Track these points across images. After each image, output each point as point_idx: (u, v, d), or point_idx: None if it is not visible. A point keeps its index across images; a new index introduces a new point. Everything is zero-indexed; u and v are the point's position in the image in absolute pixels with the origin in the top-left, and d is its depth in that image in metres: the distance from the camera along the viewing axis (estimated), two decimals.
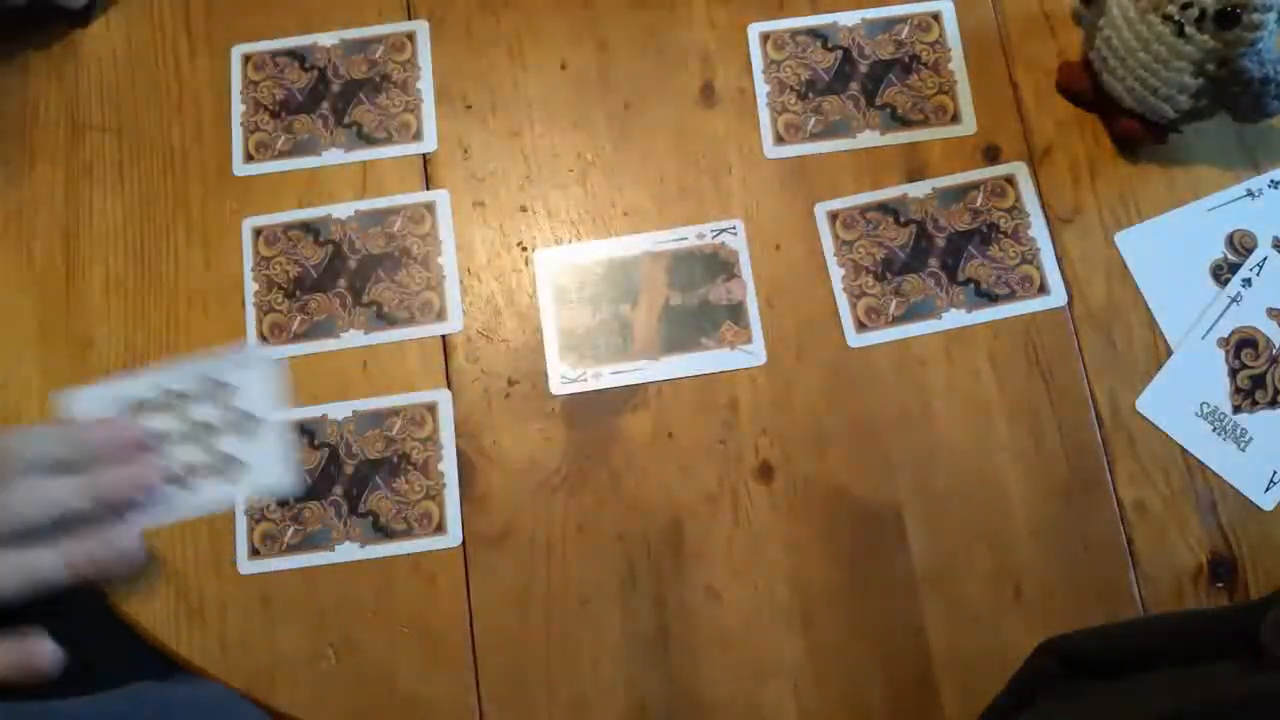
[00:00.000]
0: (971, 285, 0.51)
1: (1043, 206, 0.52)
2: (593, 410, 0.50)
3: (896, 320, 0.50)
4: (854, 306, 0.50)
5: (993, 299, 0.51)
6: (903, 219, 0.52)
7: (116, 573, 0.46)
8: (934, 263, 0.51)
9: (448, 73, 0.54)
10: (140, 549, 0.46)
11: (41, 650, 0.43)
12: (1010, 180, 0.52)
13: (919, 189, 0.52)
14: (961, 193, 0.52)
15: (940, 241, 0.51)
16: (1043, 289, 0.51)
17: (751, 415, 0.49)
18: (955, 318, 0.50)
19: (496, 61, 0.54)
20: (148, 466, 0.48)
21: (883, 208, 0.52)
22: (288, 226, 0.52)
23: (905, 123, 0.53)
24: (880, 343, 0.50)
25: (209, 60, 0.54)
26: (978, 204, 0.52)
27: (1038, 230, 0.51)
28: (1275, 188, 0.52)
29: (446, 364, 0.50)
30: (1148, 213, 0.52)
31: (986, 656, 0.46)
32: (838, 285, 0.51)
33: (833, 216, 0.51)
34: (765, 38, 0.54)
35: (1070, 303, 0.50)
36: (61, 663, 0.43)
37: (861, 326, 0.50)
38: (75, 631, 0.66)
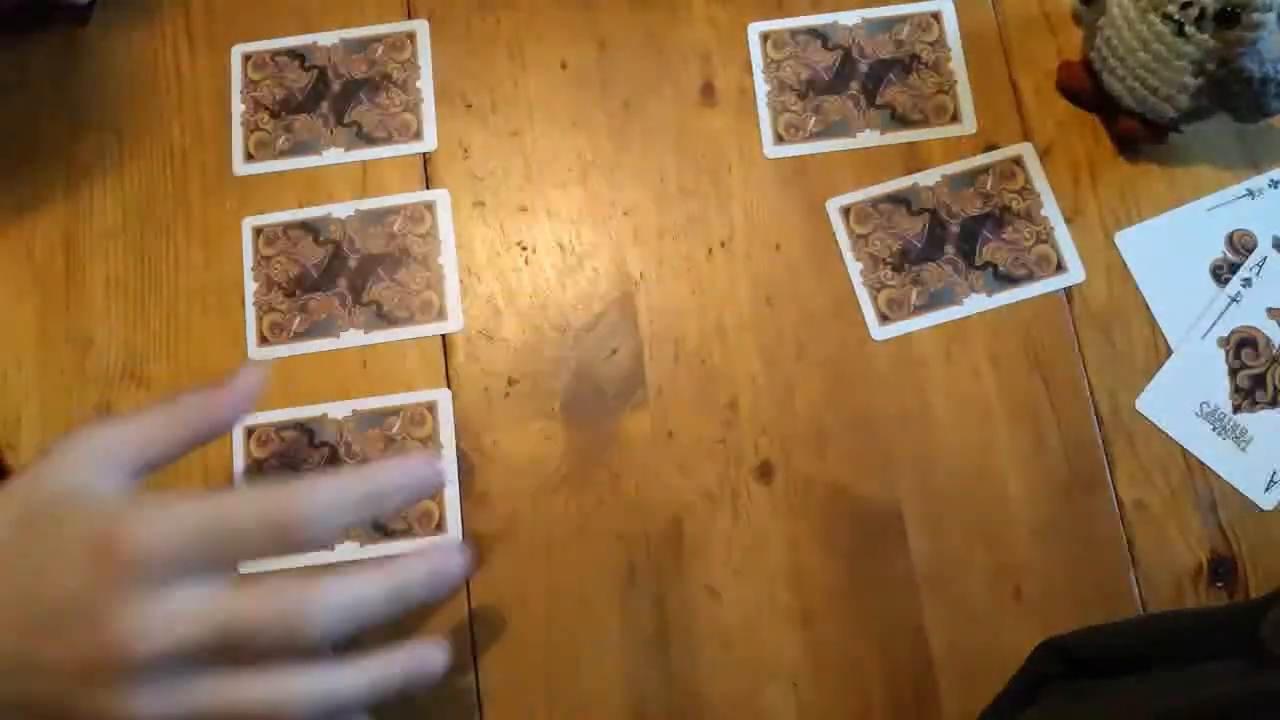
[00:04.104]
0: (990, 269, 0.51)
1: (1052, 186, 0.52)
2: (593, 410, 0.50)
3: (919, 309, 0.50)
4: (875, 299, 0.50)
5: (1013, 281, 0.51)
6: (915, 208, 0.52)
7: (416, 690, 0.38)
8: (950, 249, 0.51)
9: (448, 72, 0.54)
10: (445, 660, 0.39)
11: (435, 655, 0.38)
12: (1018, 161, 0.52)
13: (928, 177, 0.52)
14: (971, 178, 0.52)
15: (954, 228, 0.51)
16: (1060, 267, 0.51)
17: (751, 415, 0.49)
18: (977, 302, 0.50)
19: (496, 61, 0.54)
20: (459, 558, 0.39)
21: (894, 199, 0.52)
22: (288, 226, 0.52)
23: (905, 122, 0.53)
24: (905, 333, 0.50)
25: (209, 60, 0.54)
26: (988, 188, 0.52)
27: (1049, 209, 0.51)
28: (1275, 188, 0.52)
29: (446, 364, 0.50)
30: (1148, 212, 0.52)
31: (986, 656, 0.46)
32: (856, 279, 0.51)
33: (845, 211, 0.52)
34: (765, 37, 0.54)
35: (1083, 286, 0.51)
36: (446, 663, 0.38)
37: (884, 319, 0.50)
38: None
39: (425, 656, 0.38)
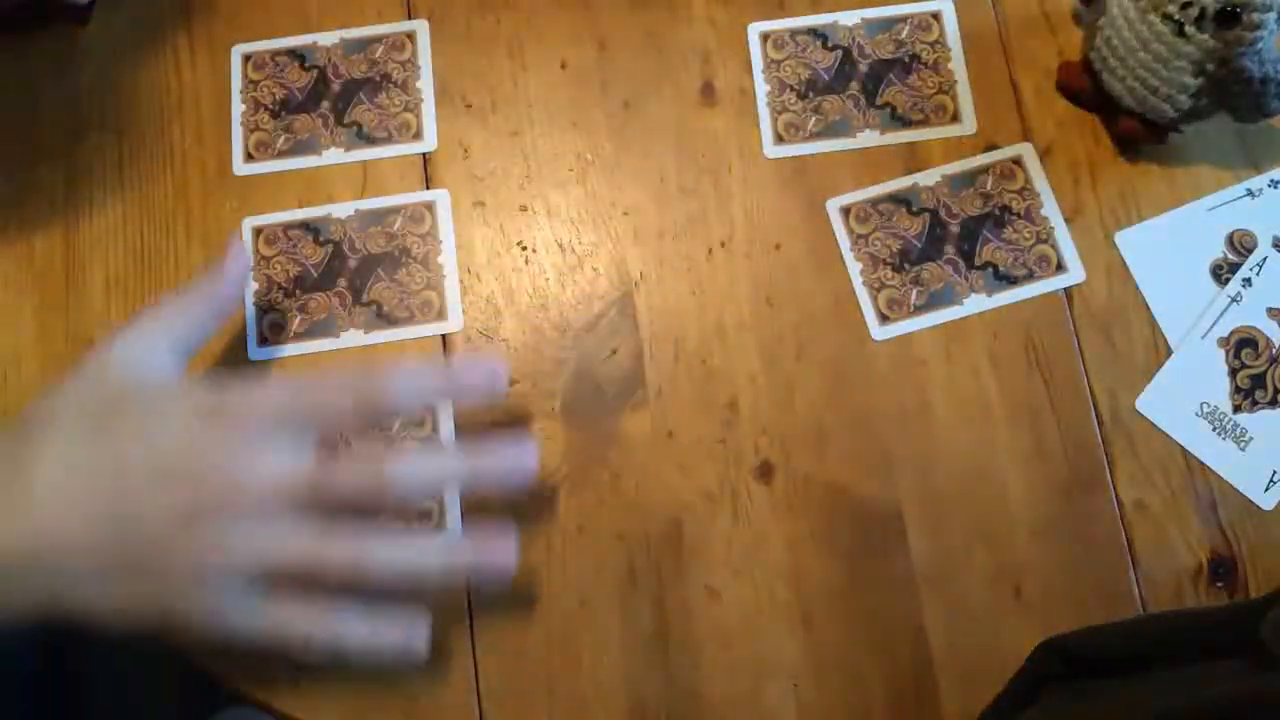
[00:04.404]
0: (990, 269, 0.51)
1: (1052, 186, 0.52)
2: (593, 410, 0.50)
3: (919, 310, 0.50)
4: (875, 299, 0.50)
5: (1013, 281, 0.51)
6: (915, 208, 0.52)
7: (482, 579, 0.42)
8: (950, 249, 0.51)
9: (448, 72, 0.54)
10: (515, 553, 0.41)
11: (421, 632, 0.41)
12: (1018, 161, 0.52)
13: (928, 177, 0.52)
14: (971, 178, 0.52)
15: (954, 228, 0.51)
16: (1060, 267, 0.51)
17: (751, 415, 0.49)
18: (977, 302, 0.50)
19: (496, 61, 0.54)
20: (530, 455, 0.42)
21: (894, 199, 0.52)
22: (288, 226, 0.52)
23: (905, 122, 0.53)
24: (905, 333, 0.50)
25: (209, 60, 0.54)
26: (988, 188, 0.52)
27: (1049, 209, 0.51)
28: (1275, 188, 0.52)
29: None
30: (1148, 212, 0.52)
31: (986, 656, 0.46)
32: (856, 279, 0.51)
33: (845, 211, 0.52)
34: (765, 37, 0.54)
35: (1083, 285, 0.51)
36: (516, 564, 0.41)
37: (884, 318, 0.50)
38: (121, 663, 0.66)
39: (501, 545, 0.41)
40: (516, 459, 0.42)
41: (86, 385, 0.40)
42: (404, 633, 0.41)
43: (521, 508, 0.48)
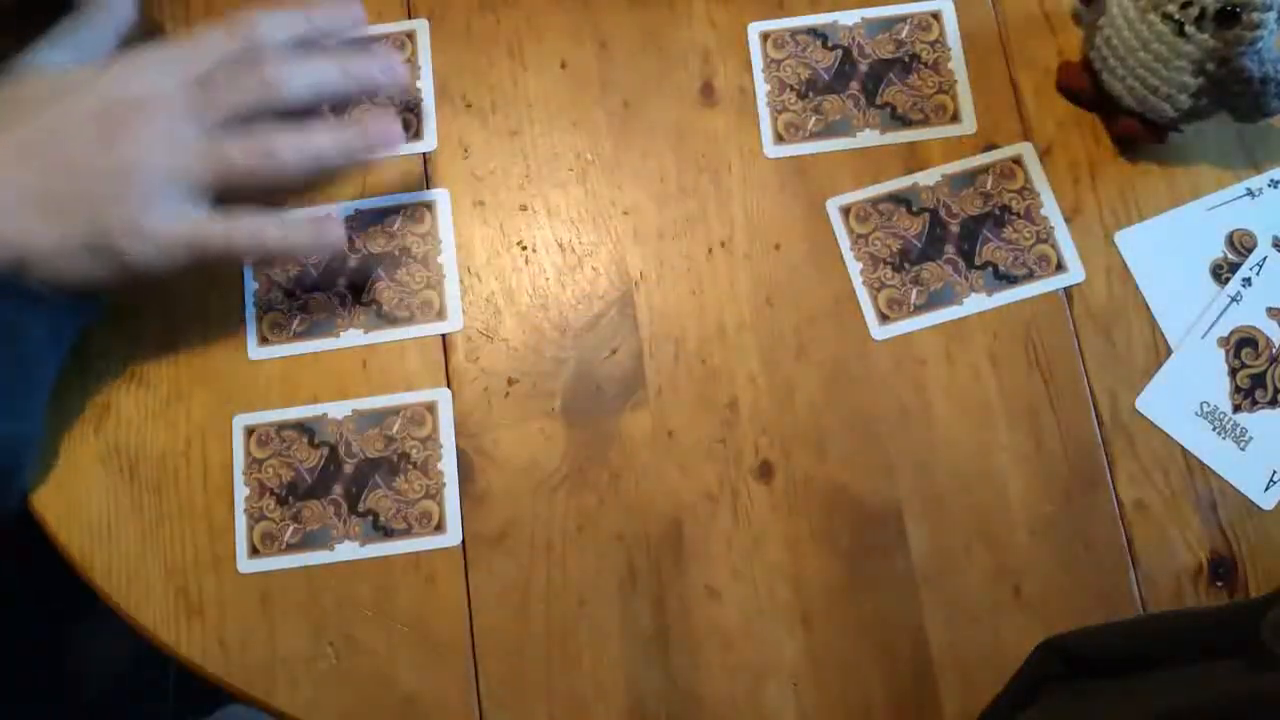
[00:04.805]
0: (990, 269, 0.51)
1: (1051, 186, 0.52)
2: (593, 410, 0.50)
3: (919, 309, 0.50)
4: (875, 299, 0.50)
5: (1013, 280, 0.51)
6: (915, 208, 0.52)
7: (376, 156, 0.47)
8: (950, 249, 0.51)
9: (448, 72, 0.54)
10: (400, 132, 0.48)
11: (336, 223, 0.47)
12: (1018, 161, 0.52)
13: (928, 177, 0.52)
14: (971, 177, 0.52)
15: (954, 227, 0.51)
16: (1060, 267, 0.51)
17: (751, 415, 0.49)
18: (977, 302, 0.50)
19: (496, 61, 0.54)
20: (394, 61, 0.49)
21: (894, 198, 0.52)
22: None
23: (905, 122, 0.53)
24: (905, 333, 0.50)
25: None
26: (988, 187, 0.52)
27: (1049, 209, 0.51)
28: (1275, 187, 0.52)
29: (446, 363, 0.50)
30: (1148, 212, 0.52)
31: (986, 656, 0.46)
32: (856, 279, 0.51)
33: (845, 211, 0.52)
34: (765, 37, 0.54)
35: (1083, 285, 0.51)
36: (344, 240, 0.48)
37: (884, 318, 0.50)
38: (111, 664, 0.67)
39: (383, 122, 0.48)
40: (386, 56, 0.50)
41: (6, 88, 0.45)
42: (316, 225, 0.47)
43: (522, 507, 0.48)
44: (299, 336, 0.50)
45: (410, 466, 0.49)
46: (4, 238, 0.42)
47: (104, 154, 0.43)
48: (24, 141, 0.43)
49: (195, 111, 0.44)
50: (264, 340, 0.50)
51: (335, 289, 0.51)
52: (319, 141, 0.45)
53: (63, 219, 0.42)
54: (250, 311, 0.51)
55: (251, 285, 0.51)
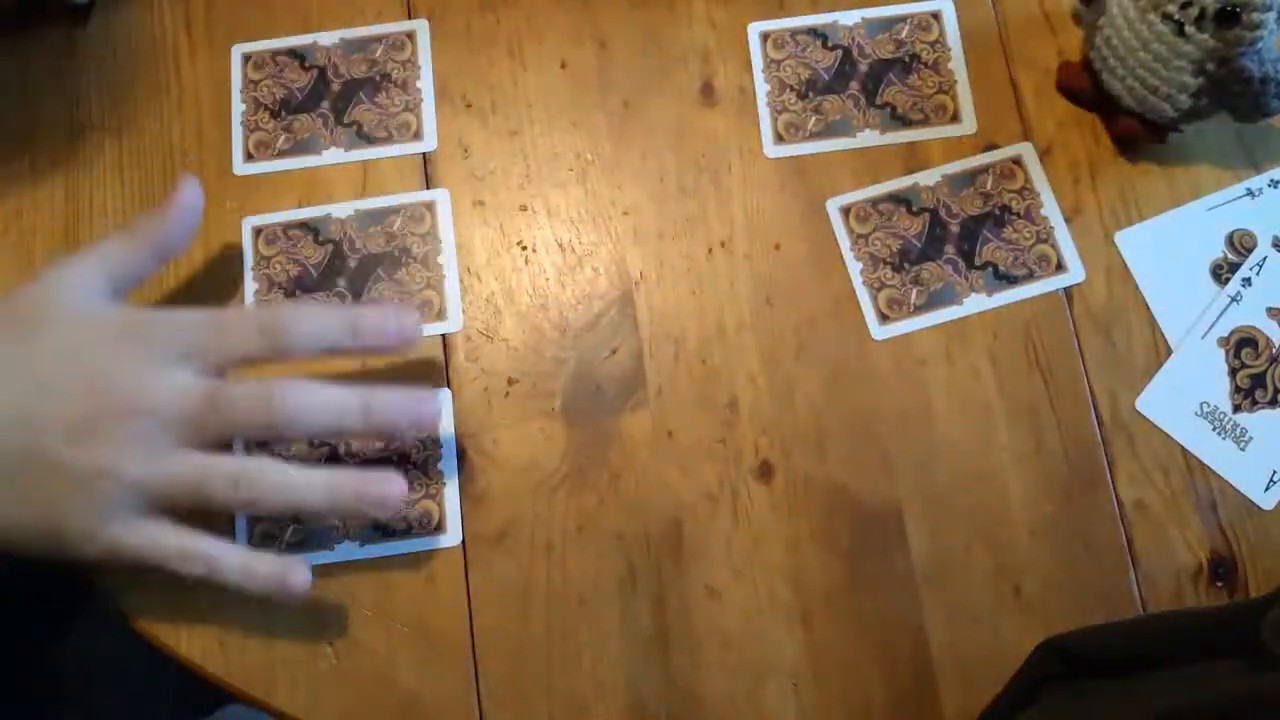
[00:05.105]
0: (990, 269, 0.51)
1: (1051, 186, 0.52)
2: (593, 410, 0.50)
3: (919, 309, 0.50)
4: (875, 299, 0.50)
5: (1013, 281, 0.51)
6: (915, 208, 0.52)
7: (371, 518, 0.43)
8: (950, 249, 0.51)
9: (448, 72, 0.54)
10: (403, 496, 0.43)
11: (300, 573, 0.43)
12: (1018, 161, 0.52)
13: (928, 177, 0.52)
14: (971, 178, 0.52)
15: (954, 228, 0.51)
16: (1060, 267, 0.51)
17: (751, 415, 0.49)
18: (977, 302, 0.50)
19: (496, 61, 0.54)
20: (430, 403, 0.43)
21: (894, 198, 0.52)
22: (287, 226, 0.52)
23: (905, 122, 0.53)
24: (905, 333, 0.50)
25: (209, 60, 0.54)
26: (988, 187, 0.52)
27: (1049, 209, 0.51)
28: (1275, 187, 0.52)
29: (446, 363, 0.50)
30: (1148, 212, 0.52)
31: (986, 656, 0.46)
32: (856, 279, 0.51)
33: (845, 211, 0.52)
34: (765, 37, 0.54)
35: (1083, 285, 0.51)
36: (309, 585, 0.43)
37: (884, 318, 0.50)
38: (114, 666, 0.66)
39: (383, 483, 0.42)
40: (418, 403, 0.44)
41: (15, 303, 0.42)
42: (279, 569, 0.42)
43: (522, 507, 0.48)
44: None
45: (410, 466, 0.49)
46: None
47: (77, 451, 0.39)
48: (4, 371, 0.40)
49: (187, 430, 0.40)
50: None
51: (335, 289, 0.51)
52: (307, 489, 0.41)
53: (19, 504, 0.39)
54: None
55: (251, 285, 0.51)
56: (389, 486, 0.43)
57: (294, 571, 0.43)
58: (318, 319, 0.43)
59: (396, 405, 0.43)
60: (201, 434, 0.40)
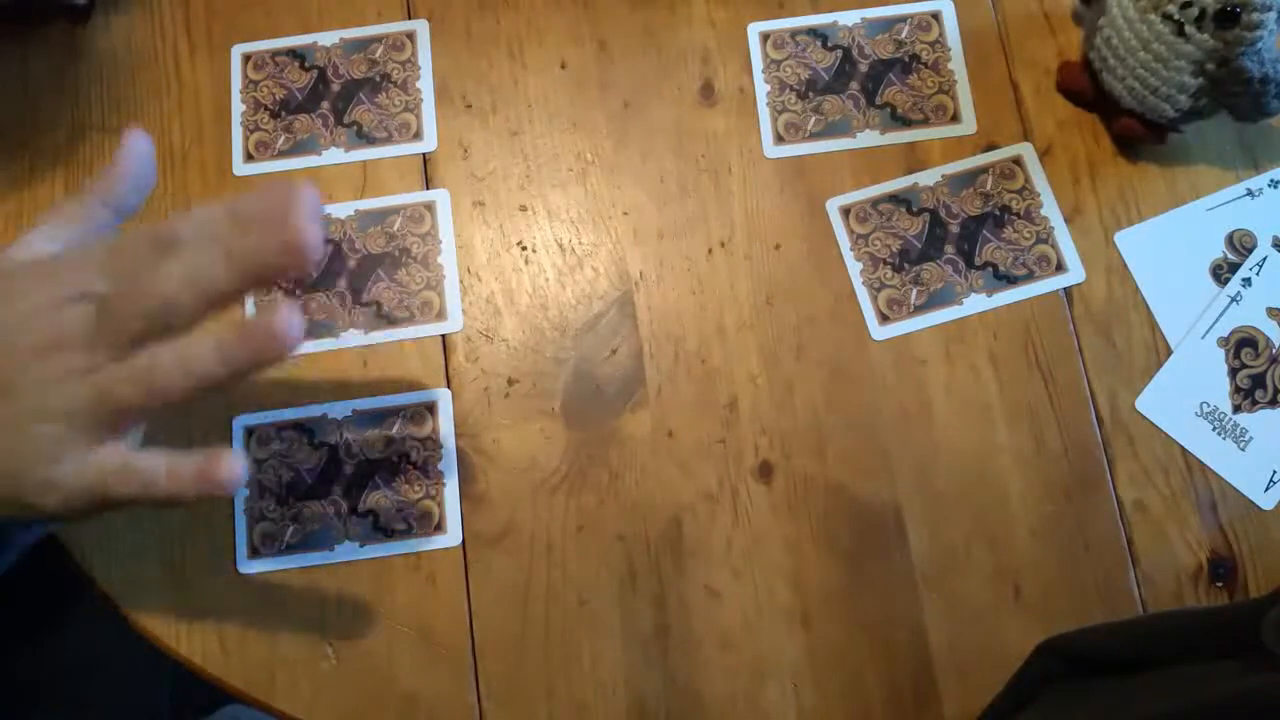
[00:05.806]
0: (990, 269, 0.51)
1: (1051, 186, 0.52)
2: (593, 410, 0.50)
3: (919, 309, 0.50)
4: (875, 299, 0.50)
5: (1012, 280, 0.51)
6: (915, 208, 0.52)
7: (275, 360, 0.41)
8: (950, 249, 0.51)
9: (448, 72, 0.54)
10: (301, 330, 0.40)
11: (226, 463, 0.40)
12: (1018, 161, 0.52)
13: (928, 177, 0.52)
14: (971, 178, 0.52)
15: (954, 228, 0.51)
16: (1060, 267, 0.51)
17: (751, 415, 0.49)
18: (977, 302, 0.50)
19: (496, 61, 0.54)
20: (308, 231, 0.39)
21: (894, 199, 0.52)
22: None
23: (905, 122, 0.53)
24: (904, 333, 0.50)
25: (209, 60, 0.54)
26: (988, 187, 0.52)
27: (1049, 209, 0.51)
28: (1275, 187, 0.52)
29: (446, 363, 0.50)
30: (1148, 212, 0.52)
31: (986, 656, 0.46)
32: (856, 279, 0.51)
33: (845, 211, 0.52)
34: (765, 37, 0.54)
35: (1083, 285, 0.51)
36: (243, 478, 0.41)
37: (884, 318, 0.50)
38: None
39: (273, 324, 0.40)
40: (288, 197, 0.40)
41: None
42: (202, 460, 0.41)
43: (522, 507, 0.48)
44: None
45: (410, 467, 0.49)
46: None
47: (4, 409, 0.40)
48: None
49: (91, 350, 0.40)
50: None
51: (335, 289, 0.51)
52: (202, 357, 0.40)
53: None
54: (250, 311, 0.51)
55: None
56: (282, 320, 0.40)
57: (219, 459, 0.41)
58: (199, 210, 0.41)
59: (267, 247, 0.40)
60: (105, 352, 0.40)
